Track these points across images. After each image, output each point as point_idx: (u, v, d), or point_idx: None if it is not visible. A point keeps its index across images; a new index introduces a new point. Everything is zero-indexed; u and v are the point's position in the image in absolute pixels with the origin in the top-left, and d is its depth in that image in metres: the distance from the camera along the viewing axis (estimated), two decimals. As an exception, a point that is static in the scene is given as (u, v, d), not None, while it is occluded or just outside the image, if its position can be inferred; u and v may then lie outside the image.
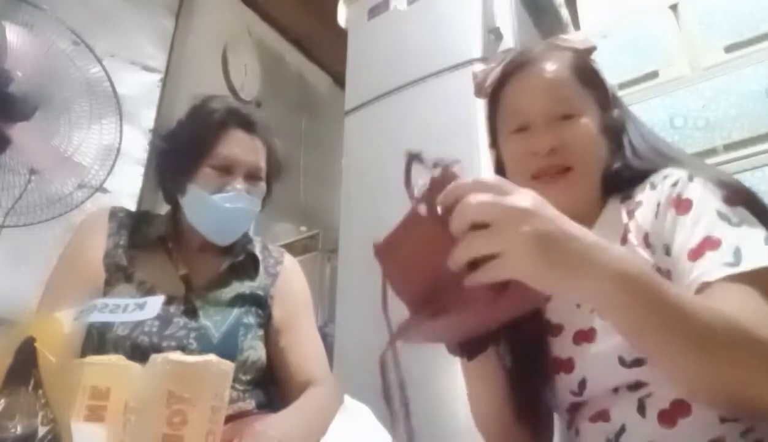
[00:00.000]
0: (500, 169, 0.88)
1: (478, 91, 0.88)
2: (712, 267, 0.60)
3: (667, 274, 0.67)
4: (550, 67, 0.80)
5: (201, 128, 1.08)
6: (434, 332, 0.55)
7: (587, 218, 0.80)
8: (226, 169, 1.06)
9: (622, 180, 0.79)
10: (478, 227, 0.47)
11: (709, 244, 0.62)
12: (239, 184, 1.06)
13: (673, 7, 1.67)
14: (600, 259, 0.48)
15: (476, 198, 0.47)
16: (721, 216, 0.64)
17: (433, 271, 0.50)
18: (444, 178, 0.50)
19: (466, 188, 0.48)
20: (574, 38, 0.85)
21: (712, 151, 1.47)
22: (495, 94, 0.85)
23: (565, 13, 2.23)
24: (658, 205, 0.71)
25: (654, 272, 0.52)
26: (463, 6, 2.00)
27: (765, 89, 1.43)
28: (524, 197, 0.48)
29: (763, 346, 0.50)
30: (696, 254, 0.63)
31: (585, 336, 0.76)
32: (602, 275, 0.47)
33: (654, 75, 1.63)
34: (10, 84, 1.38)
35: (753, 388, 0.51)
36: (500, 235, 0.46)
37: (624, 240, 0.74)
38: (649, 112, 1.58)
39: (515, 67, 0.82)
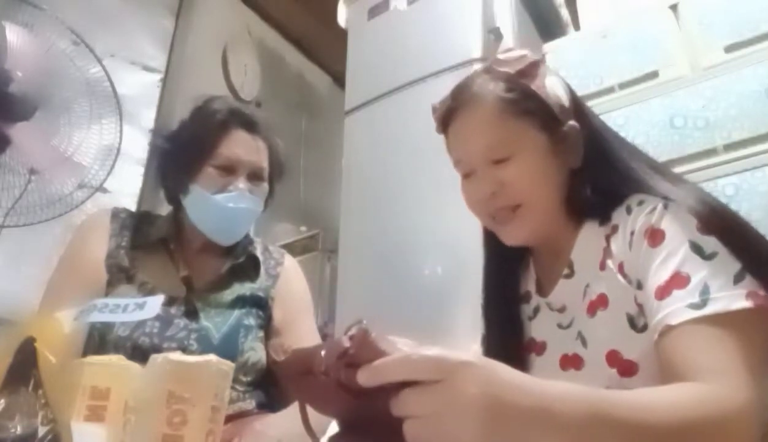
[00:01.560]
0: None
1: (437, 128, 0.87)
2: (677, 309, 0.60)
3: (641, 307, 0.67)
4: (481, 108, 0.78)
5: (203, 128, 1.08)
6: None
7: (563, 240, 0.80)
8: (229, 170, 1.06)
9: (594, 205, 0.77)
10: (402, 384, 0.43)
11: (677, 281, 0.62)
12: (242, 184, 1.06)
13: (673, 7, 1.67)
14: (554, 422, 0.44)
15: (416, 353, 0.43)
16: (694, 247, 0.64)
17: (345, 415, 0.49)
18: (358, 347, 0.45)
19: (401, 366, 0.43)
20: (510, 58, 0.81)
21: (712, 151, 1.47)
22: (445, 131, 0.85)
23: (565, 13, 2.23)
24: (632, 234, 0.70)
25: (604, 396, 0.49)
26: (463, 6, 2.00)
27: (765, 89, 1.43)
28: (470, 364, 0.43)
29: (715, 422, 0.51)
30: (663, 291, 0.62)
31: (572, 362, 0.75)
32: (562, 438, 0.45)
33: (654, 75, 1.63)
34: (10, 84, 1.37)
35: None
36: (445, 399, 0.42)
37: (603, 265, 0.74)
38: (649, 112, 1.58)
39: (452, 112, 0.81)
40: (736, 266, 0.62)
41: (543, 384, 0.46)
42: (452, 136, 0.82)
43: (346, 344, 0.45)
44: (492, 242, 0.88)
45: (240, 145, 1.08)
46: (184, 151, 1.09)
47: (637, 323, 0.69)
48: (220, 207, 1.05)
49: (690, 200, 0.68)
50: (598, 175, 0.77)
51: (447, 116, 0.83)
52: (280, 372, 0.52)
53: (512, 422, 0.43)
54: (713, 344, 0.57)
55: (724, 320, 0.58)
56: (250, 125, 1.10)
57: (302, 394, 0.51)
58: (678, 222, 0.66)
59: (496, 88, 0.78)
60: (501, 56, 0.83)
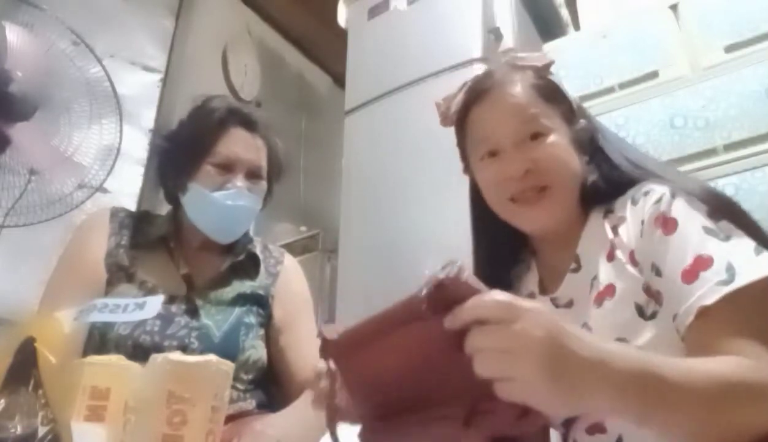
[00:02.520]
0: (476, 193, 0.88)
1: (444, 120, 0.88)
2: (708, 289, 0.61)
3: (657, 295, 0.68)
4: (513, 89, 0.80)
5: (202, 127, 1.09)
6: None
7: (570, 233, 0.81)
8: (227, 168, 1.06)
9: (600, 192, 0.79)
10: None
11: (701, 263, 0.63)
12: (240, 182, 1.06)
13: (673, 7, 1.67)
14: (609, 374, 0.47)
15: (489, 296, 0.46)
16: (708, 231, 0.65)
17: (414, 376, 0.49)
18: (452, 281, 0.46)
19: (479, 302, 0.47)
20: (531, 55, 0.85)
21: (712, 151, 1.47)
22: (461, 121, 0.85)
23: (565, 13, 2.23)
24: (643, 223, 0.71)
25: (653, 357, 0.52)
26: (463, 6, 2.00)
27: (765, 89, 1.43)
28: (538, 311, 0.47)
29: (760, 389, 0.53)
30: (690, 275, 0.63)
31: None
32: (615, 391, 0.47)
33: (654, 75, 1.63)
34: (10, 84, 1.37)
35: (754, 426, 0.53)
36: (513, 338, 0.45)
37: (611, 256, 0.75)
38: (649, 112, 1.58)
39: (478, 95, 0.82)
40: (751, 242, 0.63)
41: (602, 342, 0.49)
42: (480, 115, 0.82)
43: (441, 275, 0.46)
44: (486, 243, 0.89)
45: (238, 144, 1.08)
46: (182, 150, 1.09)
47: (645, 312, 0.69)
48: (219, 205, 1.05)
49: (695, 189, 0.70)
50: (605, 165, 0.80)
51: (470, 100, 0.83)
52: (331, 351, 0.52)
53: (572, 367, 0.46)
54: (749, 317, 0.59)
55: (754, 290, 0.59)
56: (248, 124, 1.11)
57: (354, 372, 0.51)
58: (688, 209, 0.67)
59: (524, 75, 0.81)
60: (520, 54, 0.86)
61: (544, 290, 0.86)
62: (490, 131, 0.80)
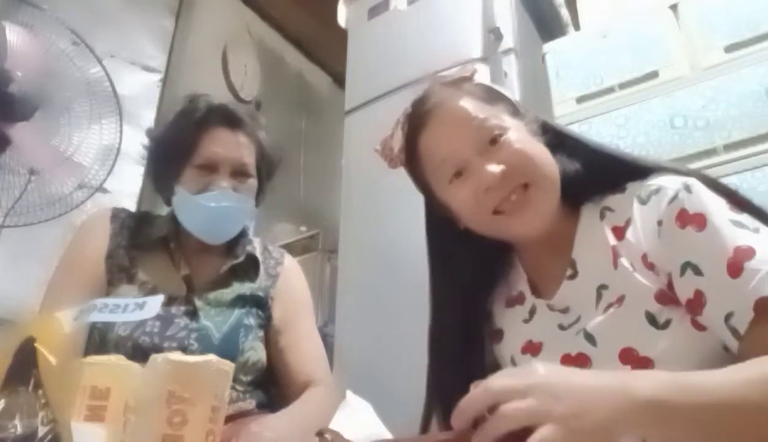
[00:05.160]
0: (432, 221, 0.86)
1: (391, 163, 0.85)
2: (761, 279, 0.58)
3: (698, 294, 0.63)
4: (455, 102, 0.77)
5: (183, 129, 1.08)
6: None
7: (561, 234, 0.77)
8: (210, 168, 1.05)
9: (584, 183, 0.76)
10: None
11: (742, 253, 0.60)
12: (225, 183, 1.05)
13: (673, 7, 1.67)
14: (638, 419, 0.47)
15: (509, 406, 0.46)
16: (737, 224, 0.62)
17: None
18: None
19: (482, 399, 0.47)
20: (452, 72, 0.84)
21: (712, 151, 1.47)
22: (410, 155, 0.82)
23: (565, 13, 2.23)
24: (660, 223, 0.67)
25: (691, 378, 0.51)
26: (463, 6, 2.00)
27: (765, 89, 1.43)
28: (539, 378, 0.47)
29: None
30: (734, 268, 0.60)
31: (576, 361, 0.73)
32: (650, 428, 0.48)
33: (654, 75, 1.63)
34: (10, 84, 1.38)
35: None
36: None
37: (615, 264, 0.71)
38: (649, 112, 1.58)
39: (421, 120, 0.79)
40: None
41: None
42: (431, 139, 0.79)
43: None
44: (460, 265, 0.86)
45: (219, 143, 1.06)
46: (166, 153, 1.08)
47: (658, 320, 0.66)
48: (203, 207, 1.04)
49: (706, 182, 0.68)
50: (582, 153, 0.78)
51: (415, 129, 0.80)
52: None
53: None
54: None
55: None
56: (230, 121, 1.09)
57: None
58: (711, 203, 0.65)
59: (458, 88, 0.80)
60: (442, 74, 0.85)
61: (536, 291, 0.83)
62: (447, 150, 0.76)
